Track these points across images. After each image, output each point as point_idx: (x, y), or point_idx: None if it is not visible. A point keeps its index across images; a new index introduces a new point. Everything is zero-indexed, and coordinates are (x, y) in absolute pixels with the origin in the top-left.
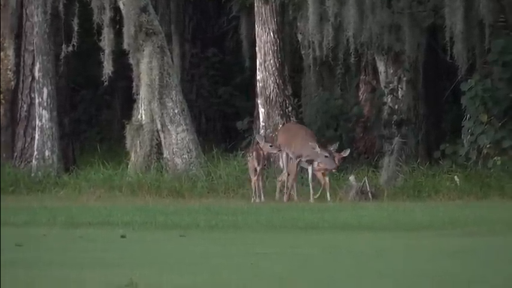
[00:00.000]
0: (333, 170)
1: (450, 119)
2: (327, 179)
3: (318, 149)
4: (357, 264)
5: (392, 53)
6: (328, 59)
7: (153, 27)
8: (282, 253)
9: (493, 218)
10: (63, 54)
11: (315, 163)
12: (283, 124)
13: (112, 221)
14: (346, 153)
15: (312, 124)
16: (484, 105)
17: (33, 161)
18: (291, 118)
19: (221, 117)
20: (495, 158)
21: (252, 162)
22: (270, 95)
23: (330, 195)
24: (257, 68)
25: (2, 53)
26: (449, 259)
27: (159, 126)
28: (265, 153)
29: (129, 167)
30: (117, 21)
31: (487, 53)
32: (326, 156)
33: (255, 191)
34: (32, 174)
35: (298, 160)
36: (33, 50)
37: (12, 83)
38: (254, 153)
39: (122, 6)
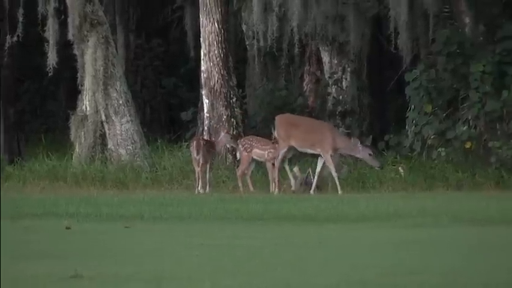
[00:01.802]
0: (377, 168)
1: (394, 109)
2: (275, 170)
3: (360, 146)
4: (301, 255)
5: (337, 44)
6: (273, 49)
7: (98, 17)
8: (226, 244)
9: (438, 209)
10: (7, 44)
11: (265, 152)
12: (277, 116)
13: (57, 212)
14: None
15: (257, 115)
16: (428, 95)
17: None
18: (235, 109)
19: (165, 108)
20: (439, 149)
21: (192, 152)
22: (214, 85)
23: (276, 187)
24: (201, 58)
25: None
26: (393, 250)
27: (103, 117)
28: (221, 145)
29: (73, 158)
30: (61, 11)
31: (432, 44)
32: (370, 154)
33: (198, 181)
34: None
35: (329, 154)
36: None
37: None
38: (194, 142)
39: None
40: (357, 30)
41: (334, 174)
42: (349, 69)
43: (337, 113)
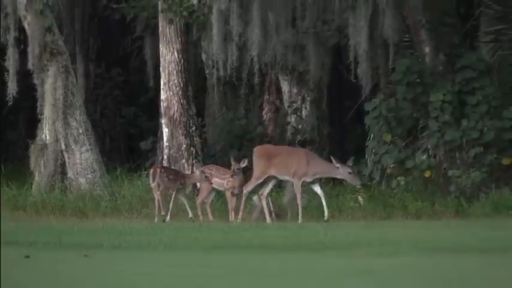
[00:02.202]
0: (358, 186)
1: (354, 138)
2: (234, 199)
3: (339, 165)
4: (260, 284)
5: (297, 73)
6: (232, 78)
7: (58, 47)
8: (185, 273)
9: (397, 238)
10: None
11: (225, 182)
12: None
13: (16, 241)
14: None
15: (216, 144)
16: (387, 124)
17: None
18: (195, 138)
19: (125, 137)
20: (399, 178)
21: (150, 179)
22: (173, 114)
23: (236, 216)
24: (161, 87)
25: None
26: (352, 279)
27: (63, 146)
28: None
29: (33, 186)
30: (21, 41)
31: (391, 73)
32: (350, 173)
33: (157, 209)
34: None
35: (302, 180)
36: None
37: None
38: (151, 170)
39: (26, 27)
40: (316, 60)
41: (299, 201)
42: (308, 98)
43: (296, 142)
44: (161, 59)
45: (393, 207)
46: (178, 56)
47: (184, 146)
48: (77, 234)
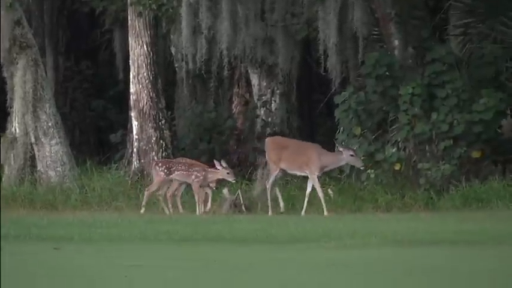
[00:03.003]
0: (361, 168)
1: (323, 131)
2: (202, 192)
3: (342, 149)
4: (231, 276)
5: (266, 66)
6: (202, 71)
7: (27, 40)
8: (156, 266)
9: (367, 230)
10: None
11: (211, 176)
12: (268, 139)
13: None
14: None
15: (185, 137)
16: (357, 118)
17: None
18: (164, 131)
19: (95, 130)
20: (369, 170)
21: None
22: (143, 107)
23: (204, 208)
24: (130, 80)
25: None
26: (322, 271)
27: (32, 139)
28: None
29: (3, 180)
30: None
31: (361, 66)
32: (352, 155)
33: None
34: None
35: (317, 174)
36: None
37: None
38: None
39: None
40: (286, 53)
41: (321, 195)
42: (278, 91)
43: (266, 135)
44: (130, 52)
45: (363, 200)
46: (147, 49)
47: (153, 138)
48: (47, 227)
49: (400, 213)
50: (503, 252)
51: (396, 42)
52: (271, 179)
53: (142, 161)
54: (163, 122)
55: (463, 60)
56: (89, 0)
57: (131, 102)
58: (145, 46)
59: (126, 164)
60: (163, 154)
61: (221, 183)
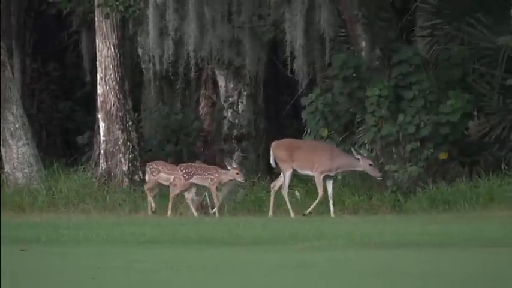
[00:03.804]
0: (378, 178)
1: (290, 133)
2: (220, 193)
3: (359, 157)
4: (198, 278)
5: (233, 68)
6: (169, 73)
7: None
8: (123, 267)
9: (334, 232)
10: None
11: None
12: (275, 141)
13: None
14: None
15: (152, 138)
16: (324, 119)
17: None
18: (131, 132)
19: (62, 131)
20: None
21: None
22: (110, 109)
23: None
24: (98, 82)
25: None
26: (289, 273)
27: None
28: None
29: None
30: None
31: (328, 68)
32: (370, 165)
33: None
34: None
35: (323, 175)
36: None
37: None
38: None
39: None
40: (253, 54)
41: (320, 194)
42: (245, 93)
43: (232, 136)
44: (97, 54)
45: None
46: (114, 51)
47: (120, 140)
48: (14, 228)
49: (367, 215)
50: (470, 254)
51: (363, 44)
52: (287, 180)
53: (109, 162)
54: (130, 123)
55: (430, 62)
56: (56, 1)
57: (98, 104)
58: (112, 48)
59: (93, 166)
60: (130, 156)
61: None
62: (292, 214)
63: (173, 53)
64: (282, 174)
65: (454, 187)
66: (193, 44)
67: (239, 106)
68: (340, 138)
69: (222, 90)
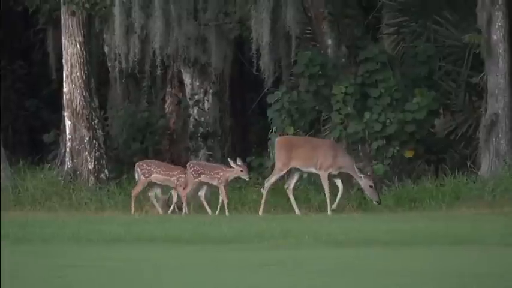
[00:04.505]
0: (374, 202)
1: (256, 131)
2: (222, 196)
3: (362, 175)
4: (163, 277)
5: (199, 65)
6: (135, 71)
7: None
8: (89, 266)
9: (300, 230)
10: None
11: (229, 175)
12: (278, 139)
13: None
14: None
15: (118, 136)
16: (290, 117)
17: None
18: (97, 130)
19: (28, 129)
20: None
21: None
22: (76, 107)
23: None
24: (64, 80)
25: None
26: (255, 272)
27: None
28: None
29: None
30: None
31: (294, 65)
32: (371, 186)
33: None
34: None
35: (328, 172)
36: None
37: None
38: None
39: None
40: (218, 52)
41: (327, 193)
42: (211, 91)
43: (198, 134)
44: (63, 52)
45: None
46: (80, 49)
47: (86, 138)
48: None
49: (333, 213)
50: (435, 252)
51: (329, 41)
52: (274, 179)
53: (75, 160)
54: (96, 121)
55: (396, 59)
56: None
57: (64, 102)
58: (78, 45)
59: (59, 164)
60: (96, 154)
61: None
62: (297, 211)
63: (139, 50)
64: (293, 173)
65: (420, 185)
66: (159, 41)
67: (205, 104)
68: (306, 135)
69: (188, 88)
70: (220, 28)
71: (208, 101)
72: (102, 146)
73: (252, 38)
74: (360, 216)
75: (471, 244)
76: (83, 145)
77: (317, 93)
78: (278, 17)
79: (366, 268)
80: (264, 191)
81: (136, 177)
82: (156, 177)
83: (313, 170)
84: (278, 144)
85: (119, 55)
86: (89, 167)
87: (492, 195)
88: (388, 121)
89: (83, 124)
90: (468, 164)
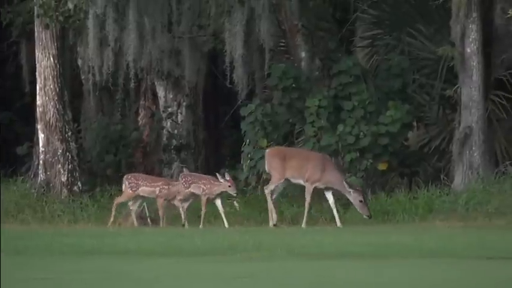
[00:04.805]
0: (365, 216)
1: (230, 144)
2: (203, 208)
3: (351, 190)
4: None
5: (172, 78)
6: (108, 83)
7: None
8: (61, 279)
9: (272, 243)
10: None
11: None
12: (269, 150)
13: None
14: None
15: (92, 149)
16: (263, 130)
17: None
18: (71, 143)
19: (1, 142)
20: None
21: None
22: (49, 120)
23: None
24: (37, 93)
25: None
26: (228, 285)
27: None
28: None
29: None
30: None
31: (267, 78)
32: (361, 201)
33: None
34: None
35: (314, 186)
36: None
37: None
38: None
39: None
40: (192, 65)
41: (307, 206)
42: (184, 103)
43: (172, 147)
44: (37, 64)
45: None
46: (54, 61)
47: (60, 151)
48: None
49: (306, 226)
50: (408, 264)
51: (303, 54)
52: (272, 186)
53: (48, 173)
54: (69, 134)
55: (369, 72)
56: None
57: (38, 115)
58: (52, 58)
59: (32, 177)
60: (69, 166)
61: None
62: (271, 223)
63: (113, 63)
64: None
65: (393, 198)
66: (132, 54)
67: (178, 117)
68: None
69: (161, 101)
70: (194, 41)
71: (181, 113)
72: (76, 158)
73: (225, 51)
74: (333, 229)
75: (444, 257)
76: (56, 157)
77: (291, 106)
78: (252, 30)
79: (339, 281)
80: (268, 199)
81: (124, 188)
82: (143, 190)
83: (301, 181)
84: (269, 154)
85: (93, 68)
86: (62, 180)
87: (465, 208)
88: (361, 134)
89: (56, 137)
90: (441, 177)
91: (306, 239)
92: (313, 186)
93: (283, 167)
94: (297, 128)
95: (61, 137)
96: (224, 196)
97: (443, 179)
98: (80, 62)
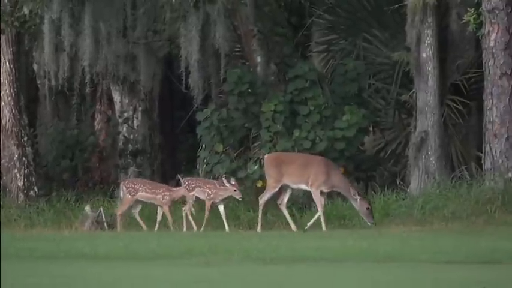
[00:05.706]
0: (369, 224)
1: (186, 149)
2: (207, 212)
3: (358, 197)
4: None
5: (128, 83)
6: (64, 88)
7: None
8: (17, 284)
9: (229, 247)
10: None
11: (211, 191)
12: (268, 156)
13: None
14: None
15: (48, 154)
16: (219, 135)
17: None
18: (27, 148)
19: None
20: None
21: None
22: (5, 124)
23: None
24: None
25: None
26: None
27: None
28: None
29: None
30: None
31: (223, 83)
32: (367, 209)
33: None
34: None
35: (320, 190)
36: None
37: None
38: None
39: None
40: (148, 70)
41: (320, 211)
42: (140, 108)
43: (128, 152)
44: None
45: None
46: (9, 66)
47: (16, 156)
48: None
49: (263, 230)
50: (365, 269)
51: (258, 59)
52: (267, 196)
53: (4, 178)
54: (25, 139)
55: (325, 77)
56: None
57: None
58: (7, 63)
59: None
60: (25, 171)
61: (82, 200)
62: (259, 228)
63: (68, 68)
64: (286, 189)
65: (349, 202)
66: (88, 59)
67: (134, 121)
68: (236, 153)
69: (117, 106)
70: (149, 46)
71: (137, 118)
72: (32, 163)
73: (181, 56)
74: (290, 233)
75: (400, 261)
76: (12, 162)
77: (246, 111)
78: (207, 34)
79: (296, 285)
80: (260, 208)
81: (121, 195)
82: (141, 195)
83: (303, 187)
84: (267, 161)
85: (48, 73)
86: (19, 184)
87: (421, 212)
88: (317, 138)
89: (12, 141)
90: (397, 181)
91: (262, 243)
92: (319, 190)
93: (279, 174)
94: (253, 133)
95: (17, 141)
96: (182, 201)
97: (399, 183)
98: (35, 66)
